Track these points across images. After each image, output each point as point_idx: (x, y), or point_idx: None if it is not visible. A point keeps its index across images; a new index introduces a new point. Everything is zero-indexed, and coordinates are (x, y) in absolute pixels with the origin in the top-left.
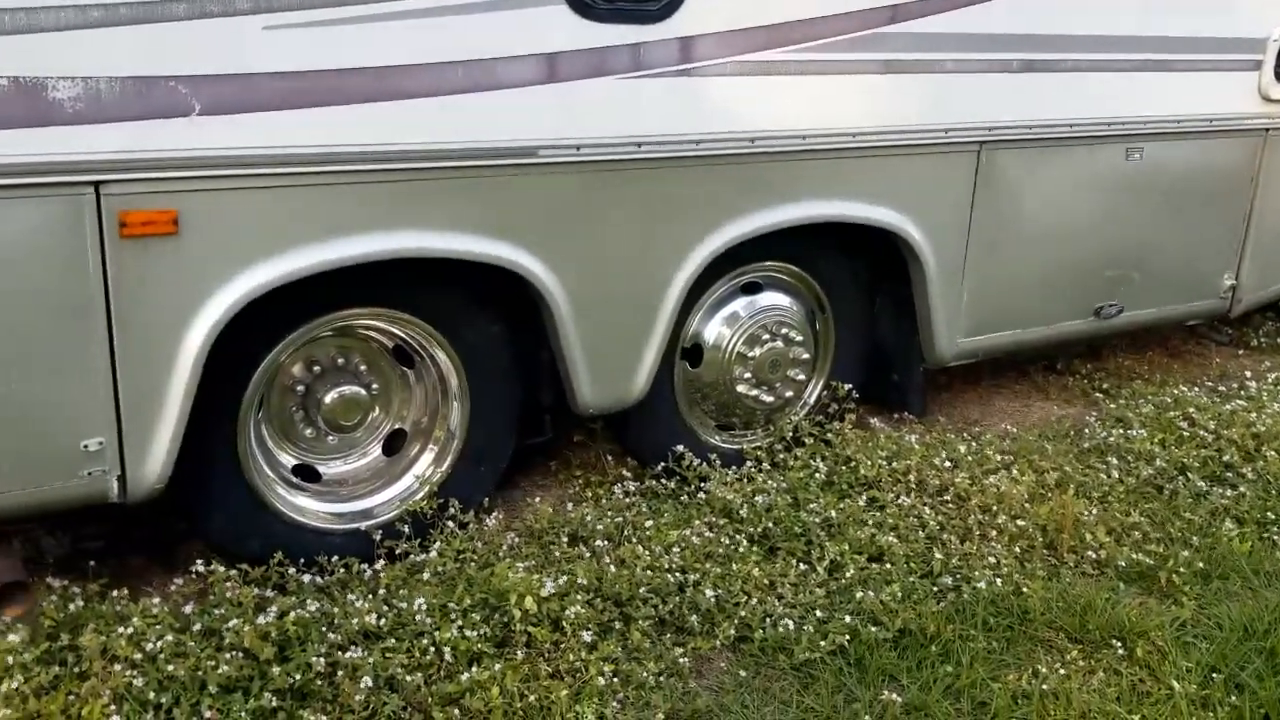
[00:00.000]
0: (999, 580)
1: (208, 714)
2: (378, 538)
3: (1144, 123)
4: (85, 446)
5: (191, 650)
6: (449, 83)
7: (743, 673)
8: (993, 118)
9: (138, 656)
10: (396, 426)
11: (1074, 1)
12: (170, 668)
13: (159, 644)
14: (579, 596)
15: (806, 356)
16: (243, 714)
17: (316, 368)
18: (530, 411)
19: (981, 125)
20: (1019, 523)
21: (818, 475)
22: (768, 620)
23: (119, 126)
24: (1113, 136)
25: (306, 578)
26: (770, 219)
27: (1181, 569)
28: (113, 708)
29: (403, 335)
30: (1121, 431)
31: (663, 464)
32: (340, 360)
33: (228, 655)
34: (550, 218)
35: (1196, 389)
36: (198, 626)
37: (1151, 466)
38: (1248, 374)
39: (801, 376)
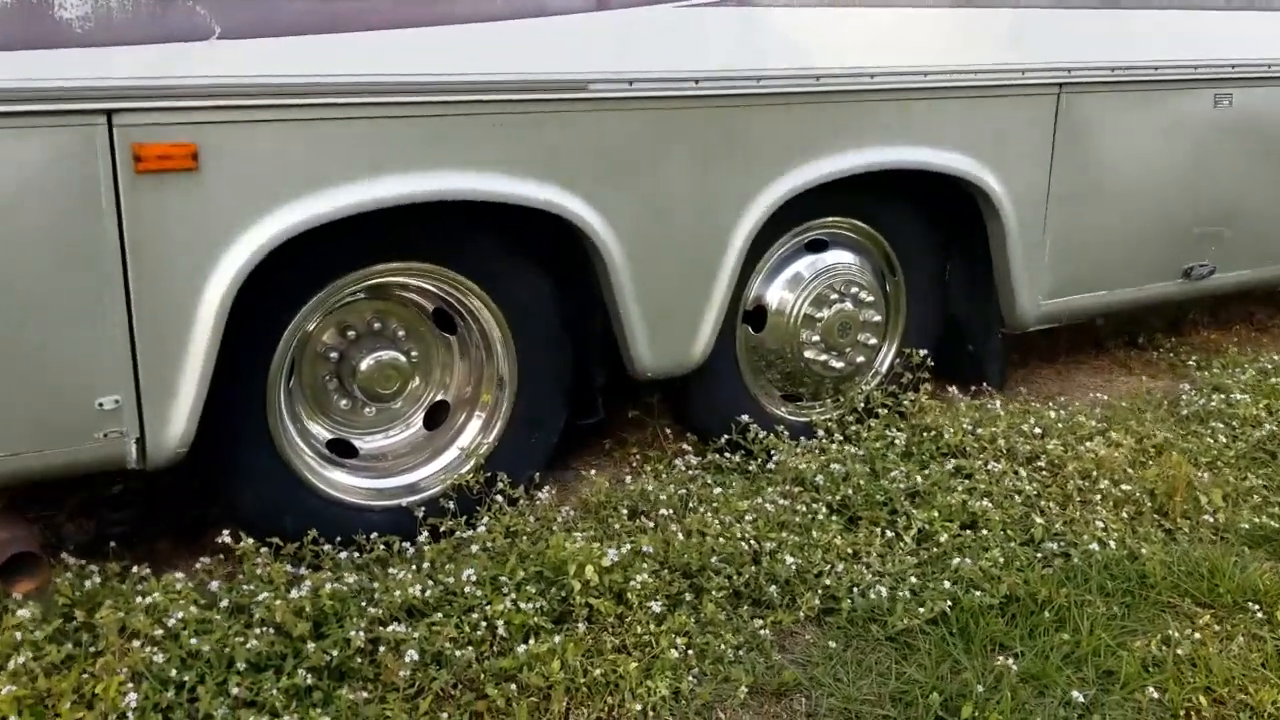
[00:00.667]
0: (1111, 543)
1: (235, 691)
2: (420, 514)
3: (1232, 66)
4: (100, 405)
5: (218, 625)
6: (492, 8)
7: (832, 644)
8: (1072, 58)
9: (158, 633)
10: (439, 398)
11: None
12: (194, 643)
13: (182, 618)
14: (644, 566)
15: (878, 319)
16: (274, 692)
17: (351, 333)
18: (582, 389)
19: (1060, 66)
20: (1123, 487)
21: (896, 444)
22: (855, 590)
23: (133, 50)
24: (1200, 80)
25: (344, 555)
26: (837, 165)
27: None
28: (130, 685)
29: (443, 295)
30: (1222, 397)
31: (726, 436)
32: (377, 325)
33: (258, 631)
34: (602, 160)
35: None
36: (225, 603)
37: (1261, 431)
38: None
39: (873, 341)
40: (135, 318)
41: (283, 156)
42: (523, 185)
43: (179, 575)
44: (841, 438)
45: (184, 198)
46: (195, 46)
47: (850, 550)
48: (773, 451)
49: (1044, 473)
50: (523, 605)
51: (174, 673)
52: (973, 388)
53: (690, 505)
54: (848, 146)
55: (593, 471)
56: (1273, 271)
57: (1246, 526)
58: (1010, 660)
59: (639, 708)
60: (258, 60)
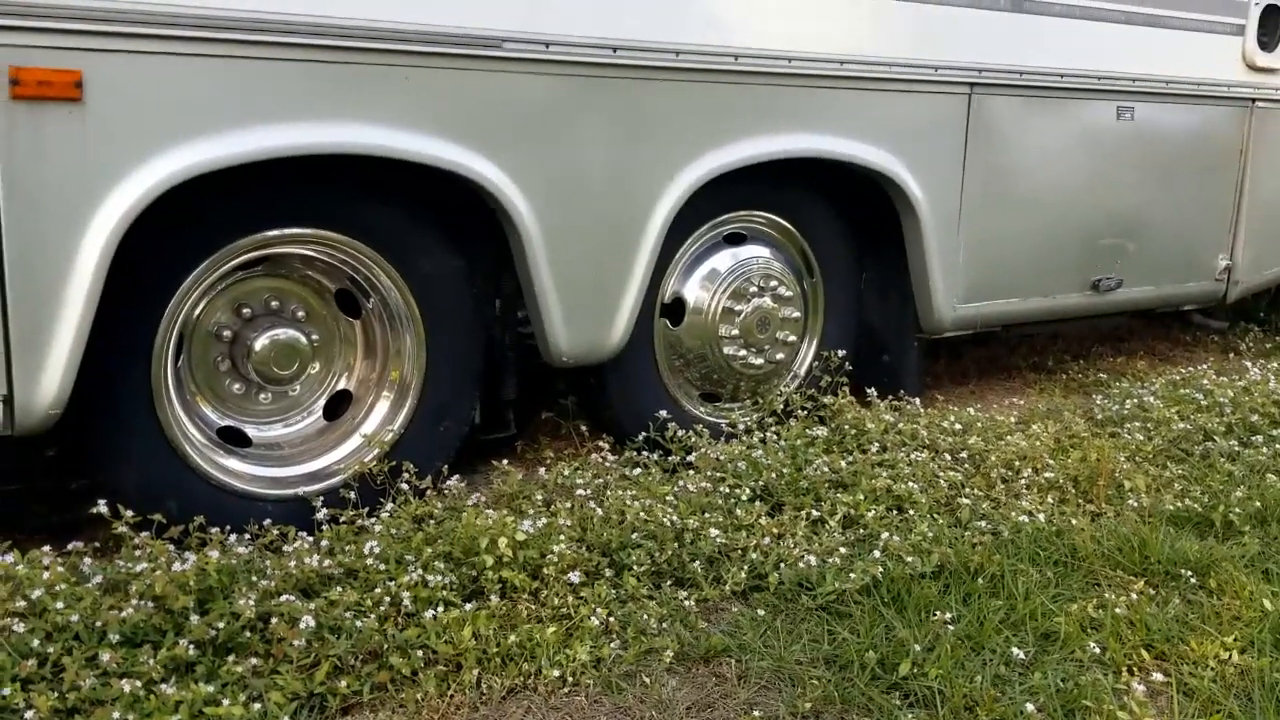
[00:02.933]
0: (1041, 515)
1: (106, 659)
2: (318, 504)
3: (1133, 80)
4: None
5: (88, 593)
6: None
7: (761, 612)
8: (982, 58)
9: (20, 605)
10: (341, 386)
11: None
12: (60, 616)
13: (47, 594)
14: (561, 538)
15: (797, 315)
16: (150, 663)
17: (246, 311)
18: (492, 401)
19: (971, 65)
20: (1047, 475)
21: (817, 442)
22: (782, 565)
23: None
24: (1103, 91)
25: (234, 538)
26: (755, 149)
27: (1237, 509)
28: None
29: (349, 273)
30: (1135, 402)
31: (644, 435)
32: (274, 304)
33: (135, 603)
34: (516, 124)
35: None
36: (98, 579)
37: (1174, 431)
38: (1247, 364)
39: (792, 338)
40: (6, 260)
41: (175, 93)
42: (431, 144)
43: (46, 548)
44: (761, 438)
45: (66, 130)
46: None
47: (775, 531)
48: (690, 451)
49: (966, 465)
50: (430, 579)
51: (36, 643)
52: (889, 397)
53: (608, 492)
54: (766, 131)
55: (505, 461)
56: (1173, 291)
57: (1170, 509)
58: (946, 620)
59: (557, 674)
60: None
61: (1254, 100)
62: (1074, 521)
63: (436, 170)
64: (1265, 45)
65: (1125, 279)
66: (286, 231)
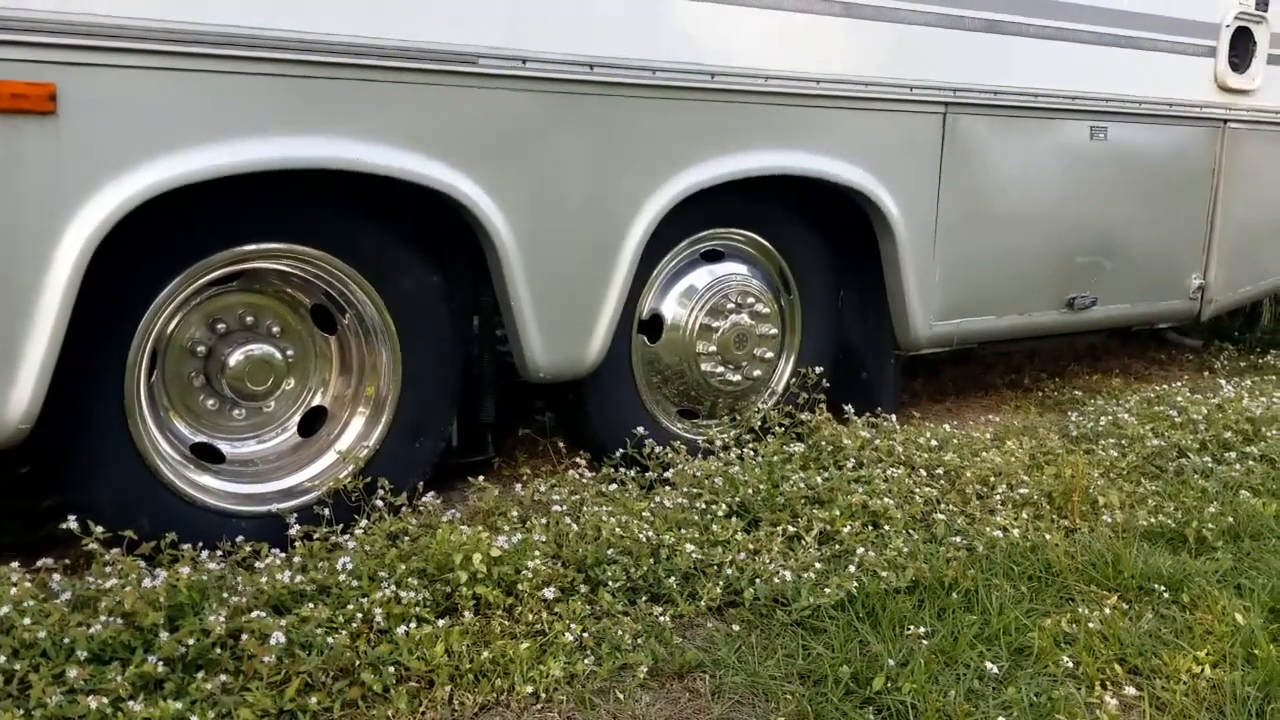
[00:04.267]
0: (1015, 531)
1: (73, 676)
2: (291, 521)
3: (1106, 100)
4: None
5: (56, 609)
6: None
7: (735, 628)
8: (956, 78)
9: None
10: (316, 403)
11: None
12: (27, 633)
13: (15, 611)
14: (536, 554)
15: (774, 332)
16: (118, 680)
17: (221, 326)
18: (470, 425)
19: (946, 85)
20: (1021, 491)
21: (794, 459)
22: (758, 581)
23: None
24: (1076, 111)
25: (205, 554)
26: (733, 166)
27: (1210, 525)
28: None
29: (325, 288)
30: (1109, 419)
31: (621, 451)
32: (250, 319)
33: (103, 619)
34: (493, 140)
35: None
36: (66, 595)
37: (1148, 447)
38: (1221, 381)
39: (769, 355)
40: None
41: (150, 106)
42: (408, 159)
43: (14, 565)
44: (738, 454)
45: (39, 143)
46: None
47: (751, 547)
48: (669, 467)
49: (942, 481)
50: (404, 595)
51: (2, 660)
52: (867, 413)
53: (584, 508)
54: (743, 148)
55: (480, 478)
56: (1147, 309)
57: (1144, 524)
58: (920, 635)
59: (530, 690)
60: None
61: (1226, 121)
62: (1048, 537)
63: (413, 185)
64: (1237, 66)
65: (1100, 297)
66: (262, 246)
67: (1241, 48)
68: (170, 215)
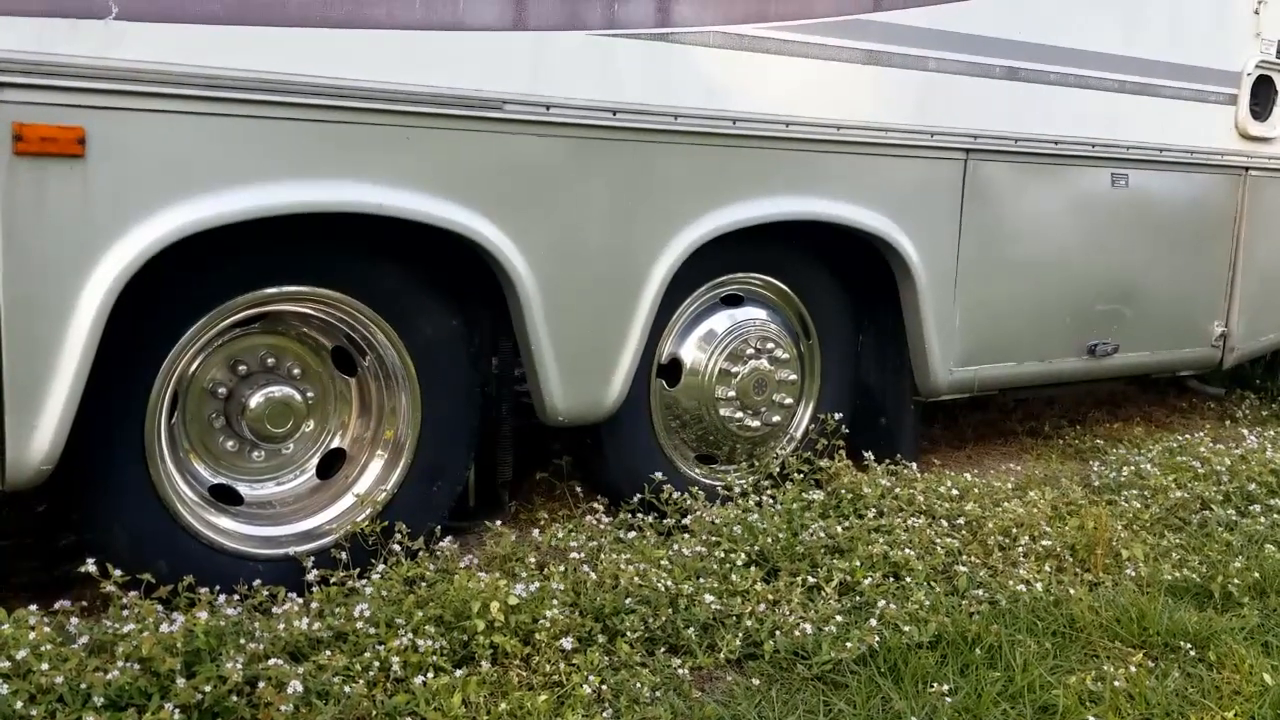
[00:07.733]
0: (1039, 585)
1: None
2: (309, 564)
3: (1126, 147)
4: None
5: (74, 653)
6: (410, 17)
7: (755, 681)
8: (977, 125)
9: (4, 665)
10: (335, 444)
11: (1053, 11)
12: (45, 678)
13: (34, 653)
14: (554, 603)
15: (793, 378)
16: None
17: (242, 368)
18: (488, 485)
19: (966, 131)
20: (1044, 543)
21: (813, 506)
22: (778, 633)
23: (21, 21)
24: (1096, 158)
25: (223, 598)
26: (753, 211)
27: (1236, 580)
28: None
29: (346, 330)
30: (1132, 469)
31: (639, 496)
32: (270, 361)
33: (120, 664)
34: (516, 185)
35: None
36: (84, 639)
37: (1171, 499)
38: (1244, 431)
39: (789, 400)
40: (4, 313)
41: (178, 151)
42: (430, 203)
43: (33, 608)
44: (757, 501)
45: (67, 186)
46: (90, 24)
47: (771, 597)
48: (687, 513)
49: (964, 531)
50: (421, 644)
51: (20, 705)
52: (886, 460)
53: (602, 555)
54: (763, 194)
55: (499, 522)
56: (1169, 356)
57: (1169, 579)
58: (944, 692)
59: None
60: (155, 45)
61: (1247, 168)
62: (1072, 591)
63: (435, 229)
64: (1258, 114)
65: (1121, 344)
66: (285, 289)
67: (1263, 96)
68: (196, 258)
